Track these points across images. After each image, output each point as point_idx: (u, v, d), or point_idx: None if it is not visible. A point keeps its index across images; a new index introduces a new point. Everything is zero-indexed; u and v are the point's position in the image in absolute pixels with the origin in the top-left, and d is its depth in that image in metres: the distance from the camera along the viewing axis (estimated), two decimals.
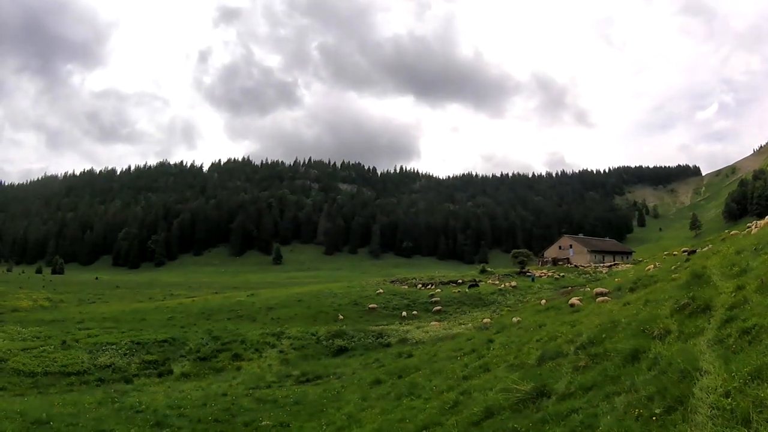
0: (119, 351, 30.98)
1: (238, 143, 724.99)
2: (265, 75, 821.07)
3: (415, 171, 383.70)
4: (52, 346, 31.40)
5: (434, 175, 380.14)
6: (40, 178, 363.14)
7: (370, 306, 46.73)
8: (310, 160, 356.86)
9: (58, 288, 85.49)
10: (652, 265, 36.72)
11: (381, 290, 53.76)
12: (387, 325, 39.63)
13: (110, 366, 28.65)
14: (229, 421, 16.81)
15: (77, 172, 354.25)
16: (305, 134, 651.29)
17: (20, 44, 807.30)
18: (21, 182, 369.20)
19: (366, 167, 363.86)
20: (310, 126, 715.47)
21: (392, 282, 63.73)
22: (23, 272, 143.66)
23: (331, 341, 34.08)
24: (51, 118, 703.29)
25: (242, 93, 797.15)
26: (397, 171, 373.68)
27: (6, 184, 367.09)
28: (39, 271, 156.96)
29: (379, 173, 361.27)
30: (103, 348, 31.33)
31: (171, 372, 28.44)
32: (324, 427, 14.21)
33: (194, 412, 17.68)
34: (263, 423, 16.02)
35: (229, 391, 21.83)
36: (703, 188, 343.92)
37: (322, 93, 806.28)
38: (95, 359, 29.39)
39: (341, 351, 32.52)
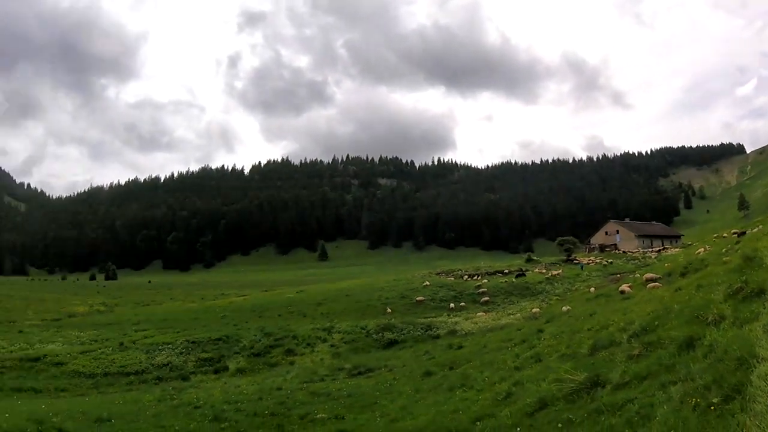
0: (175, 350, 31.84)
1: (276, 144, 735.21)
2: (296, 75, 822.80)
3: (453, 162, 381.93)
4: (110, 348, 32.29)
5: (472, 165, 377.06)
6: (86, 190, 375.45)
7: (418, 298, 46.89)
8: (348, 157, 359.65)
9: (113, 293, 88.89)
10: (702, 249, 35.51)
11: (427, 282, 53.79)
12: (435, 317, 39.77)
13: (167, 365, 29.49)
14: (284, 414, 16.89)
15: (122, 182, 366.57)
16: (340, 131, 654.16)
17: (52, 62, 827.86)
18: (68, 194, 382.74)
19: (404, 161, 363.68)
20: (344, 123, 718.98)
21: (438, 274, 63.46)
22: (77, 280, 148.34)
23: (380, 334, 34.51)
24: (91, 131, 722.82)
25: (274, 94, 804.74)
26: (435, 163, 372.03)
27: (54, 197, 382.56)
28: (93, 278, 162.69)
29: (417, 166, 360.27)
30: (160, 348, 32.22)
31: (226, 368, 29.25)
32: (378, 419, 14.28)
33: (250, 406, 17.79)
34: (318, 416, 16.18)
35: (284, 385, 22.13)
36: (749, 167, 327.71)
37: (352, 89, 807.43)
38: (152, 359, 30.28)
39: (391, 344, 32.87)
